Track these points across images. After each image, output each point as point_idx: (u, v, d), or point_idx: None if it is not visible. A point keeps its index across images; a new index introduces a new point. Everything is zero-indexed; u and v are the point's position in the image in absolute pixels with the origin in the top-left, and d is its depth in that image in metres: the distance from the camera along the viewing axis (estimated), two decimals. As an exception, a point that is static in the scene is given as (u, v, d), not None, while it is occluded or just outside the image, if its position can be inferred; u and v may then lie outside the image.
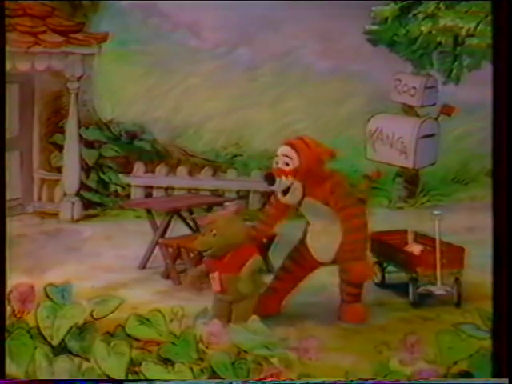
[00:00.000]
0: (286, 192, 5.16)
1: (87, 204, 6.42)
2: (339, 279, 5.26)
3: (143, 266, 5.94)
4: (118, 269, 5.77)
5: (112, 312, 5.11)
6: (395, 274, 5.69)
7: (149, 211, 6.11)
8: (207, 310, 5.10)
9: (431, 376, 4.97)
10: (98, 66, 6.26)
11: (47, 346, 5.06)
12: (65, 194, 6.39)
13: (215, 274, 5.07)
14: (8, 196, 5.45)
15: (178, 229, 6.05)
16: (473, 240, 5.37)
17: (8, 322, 5.12)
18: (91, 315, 5.10)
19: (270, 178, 5.14)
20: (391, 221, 5.48)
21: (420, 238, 5.70)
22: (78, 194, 6.40)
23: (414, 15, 5.72)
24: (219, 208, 5.72)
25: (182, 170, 6.59)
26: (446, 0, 5.64)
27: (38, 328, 5.09)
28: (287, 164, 5.13)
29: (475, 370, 4.99)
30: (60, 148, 6.36)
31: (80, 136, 6.39)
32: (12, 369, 5.08)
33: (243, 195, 6.50)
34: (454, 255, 5.44)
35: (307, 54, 6.06)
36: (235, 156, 6.44)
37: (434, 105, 5.72)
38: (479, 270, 5.25)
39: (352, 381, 4.90)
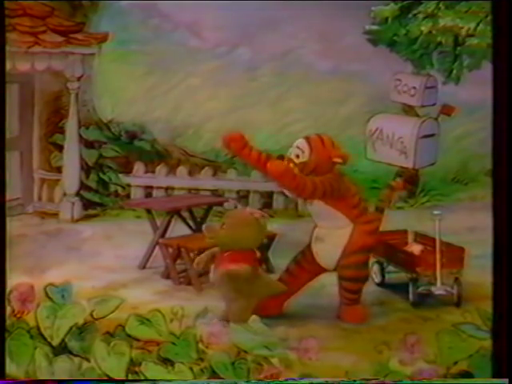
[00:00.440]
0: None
1: (87, 204, 6.43)
2: (338, 285, 5.27)
3: (143, 266, 5.94)
4: (118, 269, 5.77)
5: (112, 312, 5.11)
6: (395, 274, 5.69)
7: (149, 211, 6.11)
8: (207, 310, 5.10)
9: (431, 376, 4.97)
10: (98, 65, 6.26)
11: (47, 346, 5.06)
12: (65, 194, 6.40)
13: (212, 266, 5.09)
14: (8, 196, 5.44)
15: (178, 229, 6.05)
16: (473, 240, 5.37)
17: (8, 322, 5.12)
18: (91, 315, 5.10)
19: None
20: (391, 221, 5.47)
21: (420, 237, 5.70)
22: (77, 194, 6.40)
23: (414, 15, 5.72)
24: (219, 208, 5.72)
25: (182, 170, 6.59)
26: (445, 0, 5.64)
27: (38, 328, 5.08)
28: (298, 156, 5.15)
29: (475, 370, 4.99)
30: (60, 148, 6.36)
31: (80, 136, 6.39)
32: (12, 369, 5.07)
33: (243, 195, 6.50)
34: (454, 255, 5.44)
35: (307, 53, 6.07)
36: (235, 156, 6.44)
37: (434, 105, 5.71)
38: (479, 270, 5.25)
39: (355, 381, 4.90)
